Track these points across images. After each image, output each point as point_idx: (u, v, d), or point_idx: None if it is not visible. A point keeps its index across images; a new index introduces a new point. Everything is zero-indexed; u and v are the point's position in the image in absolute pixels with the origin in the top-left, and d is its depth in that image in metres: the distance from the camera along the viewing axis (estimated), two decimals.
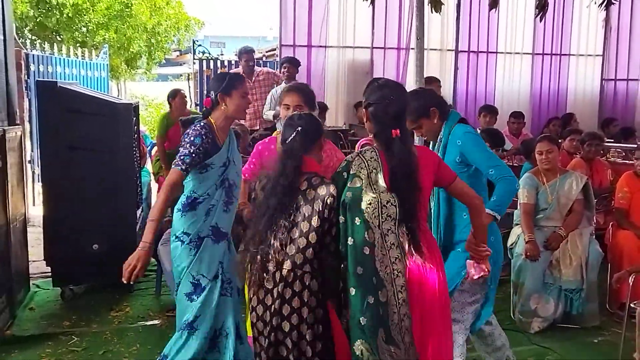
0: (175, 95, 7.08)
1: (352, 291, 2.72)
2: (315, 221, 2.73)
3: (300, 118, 2.92)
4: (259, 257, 2.78)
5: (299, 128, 2.82)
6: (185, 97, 7.30)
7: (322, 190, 2.75)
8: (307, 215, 2.74)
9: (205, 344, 3.18)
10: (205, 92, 9.22)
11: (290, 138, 2.82)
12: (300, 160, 2.79)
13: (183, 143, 3.11)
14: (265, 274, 2.77)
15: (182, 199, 3.21)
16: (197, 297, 3.17)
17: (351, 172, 2.82)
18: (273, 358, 2.78)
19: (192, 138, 3.10)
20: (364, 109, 2.95)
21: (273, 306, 2.74)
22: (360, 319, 2.69)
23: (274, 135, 3.83)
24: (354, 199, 2.76)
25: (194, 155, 3.07)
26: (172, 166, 3.08)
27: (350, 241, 2.75)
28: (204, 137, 3.11)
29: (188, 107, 7.48)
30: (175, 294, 3.31)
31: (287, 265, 2.72)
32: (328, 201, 2.73)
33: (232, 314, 3.26)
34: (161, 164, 6.89)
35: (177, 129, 6.31)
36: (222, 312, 3.23)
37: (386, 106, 2.83)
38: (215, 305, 3.20)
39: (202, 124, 3.18)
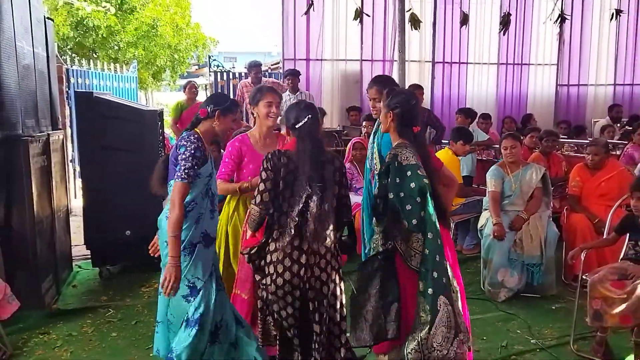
0: (186, 86, 7.97)
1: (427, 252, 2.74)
2: (335, 189, 2.78)
3: (309, 107, 2.91)
4: (290, 220, 2.70)
5: (310, 115, 2.82)
6: (194, 87, 8.00)
7: (337, 163, 2.82)
8: (328, 184, 2.75)
9: (208, 339, 2.94)
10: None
11: (305, 122, 2.80)
12: (317, 137, 2.81)
13: (184, 156, 2.80)
14: (296, 236, 2.71)
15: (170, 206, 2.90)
16: (194, 299, 2.89)
17: (411, 163, 2.78)
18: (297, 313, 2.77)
19: (192, 151, 2.80)
20: (390, 111, 2.95)
21: (307, 264, 2.73)
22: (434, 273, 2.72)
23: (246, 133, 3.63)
24: (427, 186, 2.76)
25: (195, 167, 2.81)
26: (177, 180, 2.78)
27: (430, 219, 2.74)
28: (201, 150, 2.86)
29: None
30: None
31: (316, 225, 2.70)
32: (343, 171, 2.83)
33: (227, 305, 3.08)
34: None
35: (189, 113, 7.08)
36: (220, 306, 2.99)
37: (411, 108, 2.95)
38: (214, 301, 2.94)
39: (196, 136, 2.89)
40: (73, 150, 8.29)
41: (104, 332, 4.09)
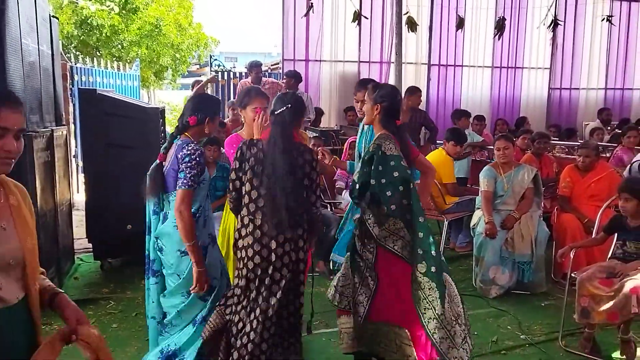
0: (194, 84, 8.04)
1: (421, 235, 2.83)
2: (305, 181, 2.75)
3: (291, 96, 2.88)
4: (257, 207, 2.70)
5: (289, 105, 2.79)
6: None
7: (308, 156, 2.77)
8: (297, 176, 2.72)
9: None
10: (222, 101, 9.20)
11: (281, 110, 2.78)
12: (291, 128, 2.78)
13: (189, 164, 2.77)
14: (264, 222, 2.69)
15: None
16: (209, 297, 2.91)
17: (394, 153, 2.90)
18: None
19: (197, 159, 2.78)
20: (377, 104, 3.05)
21: (274, 254, 2.69)
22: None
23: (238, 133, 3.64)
24: (410, 177, 2.90)
25: (199, 174, 2.80)
26: (183, 188, 2.75)
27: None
28: (202, 156, 2.85)
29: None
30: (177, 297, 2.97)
31: (282, 217, 2.67)
32: (313, 164, 2.77)
33: None
34: None
35: None
36: None
37: (396, 102, 3.10)
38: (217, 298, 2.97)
39: (194, 143, 2.86)
40: (76, 146, 8.26)
41: (105, 323, 4.10)
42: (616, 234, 3.79)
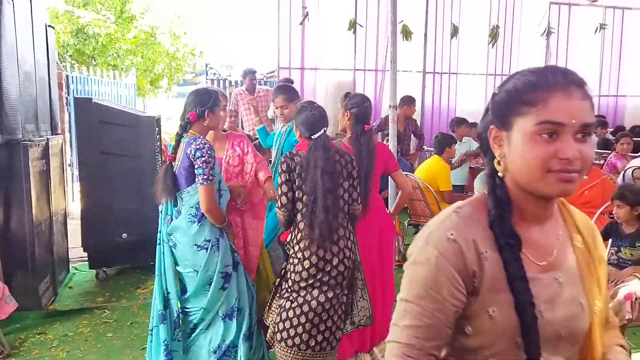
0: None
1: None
2: (350, 180, 2.92)
3: (323, 117, 2.98)
4: (322, 218, 2.77)
5: (324, 128, 2.92)
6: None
7: (347, 157, 2.93)
8: (343, 177, 2.89)
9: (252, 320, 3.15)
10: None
11: (320, 134, 2.87)
12: (331, 144, 2.97)
13: (203, 159, 2.85)
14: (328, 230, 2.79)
15: (192, 210, 2.95)
16: (228, 285, 3.03)
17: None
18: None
19: (209, 153, 2.88)
20: (347, 111, 3.38)
21: (339, 252, 2.81)
22: None
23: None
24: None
25: (213, 168, 2.90)
26: (203, 184, 2.84)
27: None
28: (213, 151, 2.94)
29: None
30: (203, 293, 3.04)
31: (341, 216, 2.83)
32: (353, 164, 2.94)
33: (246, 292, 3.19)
34: None
35: None
36: (245, 292, 3.15)
37: (365, 108, 3.37)
38: (244, 286, 3.14)
39: (203, 139, 2.94)
40: (72, 155, 8.26)
41: (100, 332, 4.08)
42: (610, 241, 3.81)
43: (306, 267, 2.78)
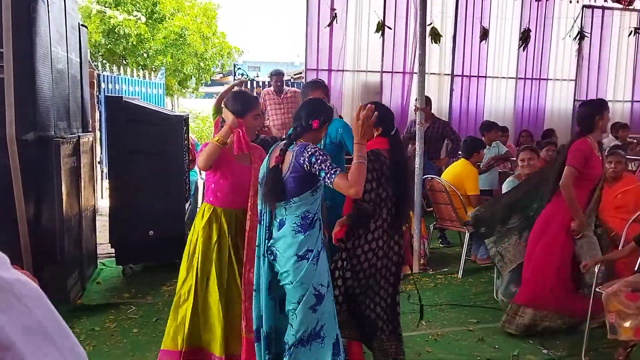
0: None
1: None
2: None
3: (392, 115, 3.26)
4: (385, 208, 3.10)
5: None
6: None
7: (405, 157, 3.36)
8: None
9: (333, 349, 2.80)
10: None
11: (396, 129, 3.19)
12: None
13: (319, 159, 2.67)
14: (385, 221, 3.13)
15: (297, 220, 2.76)
16: (319, 307, 2.76)
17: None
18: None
19: (320, 151, 2.73)
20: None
21: (397, 245, 3.19)
22: None
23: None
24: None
25: (329, 160, 2.71)
26: (333, 178, 2.61)
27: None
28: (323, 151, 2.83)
29: None
30: (292, 309, 2.78)
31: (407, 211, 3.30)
32: (407, 163, 3.39)
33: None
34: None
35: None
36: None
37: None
38: (333, 310, 2.86)
39: (312, 145, 2.77)
40: (102, 152, 8.40)
41: (126, 328, 4.14)
42: None
43: (380, 255, 3.09)
